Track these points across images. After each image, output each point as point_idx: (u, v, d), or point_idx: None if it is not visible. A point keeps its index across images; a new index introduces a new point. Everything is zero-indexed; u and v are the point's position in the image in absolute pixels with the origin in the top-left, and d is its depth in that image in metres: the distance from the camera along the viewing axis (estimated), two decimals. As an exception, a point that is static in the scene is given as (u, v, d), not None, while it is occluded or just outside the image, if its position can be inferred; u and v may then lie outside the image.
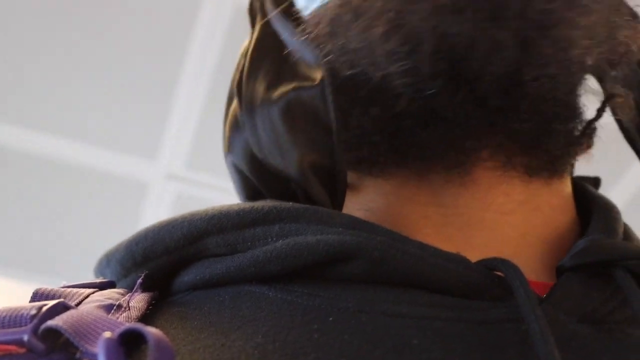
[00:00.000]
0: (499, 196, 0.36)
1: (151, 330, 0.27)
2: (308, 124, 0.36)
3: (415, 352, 0.29)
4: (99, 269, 0.40)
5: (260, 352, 0.29)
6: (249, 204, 0.35)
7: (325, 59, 0.35)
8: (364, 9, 0.33)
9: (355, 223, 0.33)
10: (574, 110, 0.38)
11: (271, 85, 0.38)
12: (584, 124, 0.38)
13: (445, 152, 0.36)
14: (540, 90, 0.34)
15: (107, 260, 0.39)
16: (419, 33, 0.32)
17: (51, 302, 0.30)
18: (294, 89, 0.37)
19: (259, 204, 0.35)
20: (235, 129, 0.41)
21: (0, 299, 2.04)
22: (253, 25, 0.42)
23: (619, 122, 0.40)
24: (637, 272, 0.32)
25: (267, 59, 0.39)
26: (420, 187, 0.37)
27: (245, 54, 0.41)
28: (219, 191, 1.87)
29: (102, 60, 1.64)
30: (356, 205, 0.38)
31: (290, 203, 0.35)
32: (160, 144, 1.79)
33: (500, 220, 0.36)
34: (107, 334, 0.27)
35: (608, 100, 0.39)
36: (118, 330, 0.28)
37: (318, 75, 0.36)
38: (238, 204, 0.36)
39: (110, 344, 0.26)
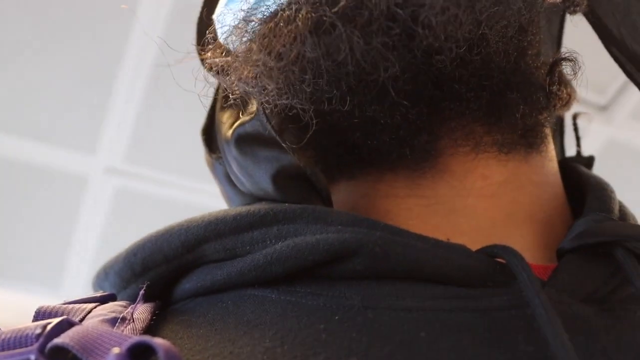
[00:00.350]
0: (477, 180, 0.36)
1: (159, 342, 0.27)
2: (258, 148, 0.37)
3: (424, 345, 0.29)
4: (98, 282, 0.39)
5: (269, 357, 0.29)
6: (245, 208, 0.35)
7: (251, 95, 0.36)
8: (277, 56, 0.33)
9: (353, 219, 0.33)
10: (529, 76, 0.37)
11: (231, 125, 0.40)
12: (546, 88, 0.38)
13: (402, 152, 0.36)
14: (468, 67, 0.34)
15: (105, 273, 0.39)
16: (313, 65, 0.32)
17: (55, 320, 0.30)
18: (239, 125, 0.39)
19: (254, 207, 0.35)
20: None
21: None
22: None
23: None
24: (637, 252, 0.32)
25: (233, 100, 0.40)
26: (396, 180, 0.37)
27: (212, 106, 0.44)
28: (159, 185, 1.86)
29: (39, 50, 1.60)
30: (339, 205, 0.39)
31: (286, 204, 0.35)
32: (99, 138, 1.76)
33: (483, 204, 0.36)
34: (116, 350, 0.27)
35: (555, 66, 0.39)
36: (126, 344, 0.28)
37: (254, 107, 0.38)
38: (234, 208, 0.36)
39: (119, 359, 0.27)
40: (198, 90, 0.40)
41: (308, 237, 0.32)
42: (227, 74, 0.36)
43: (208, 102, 0.46)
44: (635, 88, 0.40)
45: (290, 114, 0.35)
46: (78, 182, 1.85)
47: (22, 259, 2.00)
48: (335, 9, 0.31)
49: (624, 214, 0.39)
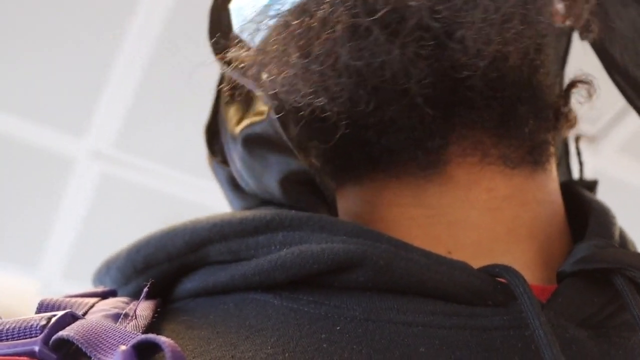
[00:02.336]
0: (482, 192, 0.36)
1: (166, 341, 0.27)
2: (267, 151, 0.38)
3: None
4: (98, 277, 0.40)
5: None
6: (251, 212, 0.35)
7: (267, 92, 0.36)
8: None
9: (358, 231, 0.34)
10: (539, 93, 0.37)
11: (238, 122, 0.40)
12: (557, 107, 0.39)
13: (414, 154, 0.36)
14: (484, 78, 0.35)
15: (106, 269, 0.39)
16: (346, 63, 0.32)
17: (60, 313, 0.30)
18: (247, 126, 0.39)
19: (261, 212, 0.35)
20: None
21: None
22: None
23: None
24: (636, 280, 0.33)
25: (238, 96, 0.41)
26: (400, 188, 0.37)
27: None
28: (146, 173, 1.84)
29: (35, 28, 1.58)
30: (342, 212, 0.39)
31: (293, 211, 0.35)
32: (89, 121, 1.74)
33: (486, 217, 0.36)
34: (122, 347, 0.27)
35: (572, 87, 0.40)
36: (132, 341, 0.28)
37: (266, 110, 0.38)
38: (240, 212, 0.36)
39: (127, 356, 0.27)
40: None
41: (313, 245, 0.33)
42: (249, 70, 0.36)
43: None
44: (624, 122, 0.41)
45: (311, 116, 0.35)
46: (64, 164, 1.83)
47: (1, 237, 1.98)
48: (373, 16, 0.31)
49: (624, 240, 0.39)
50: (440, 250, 0.35)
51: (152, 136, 1.79)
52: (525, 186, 0.37)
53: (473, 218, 0.36)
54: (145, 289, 0.33)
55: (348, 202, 0.39)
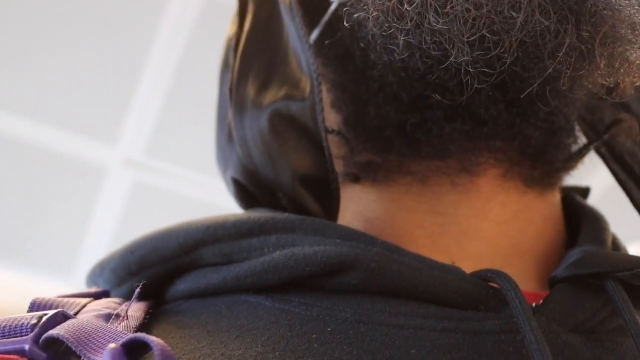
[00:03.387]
0: (496, 206, 0.37)
1: (155, 340, 0.27)
2: (297, 138, 0.36)
3: None
4: (92, 278, 0.40)
5: None
6: (245, 215, 0.35)
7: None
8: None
9: (351, 234, 0.34)
10: (573, 127, 0.39)
11: (262, 88, 0.38)
12: (577, 142, 0.39)
13: (463, 149, 0.36)
14: (564, 100, 0.35)
15: (100, 269, 0.39)
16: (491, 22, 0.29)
17: (51, 312, 0.30)
18: (282, 98, 0.37)
19: (255, 214, 0.35)
20: (229, 141, 0.41)
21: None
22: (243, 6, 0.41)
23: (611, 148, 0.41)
24: (628, 282, 0.33)
25: (259, 55, 0.39)
26: (422, 194, 0.37)
27: (234, 48, 0.41)
28: (177, 180, 1.86)
29: (66, 39, 1.61)
30: (354, 216, 0.39)
31: (287, 214, 0.35)
32: (120, 129, 1.77)
33: (495, 230, 0.37)
34: (112, 345, 0.27)
35: (614, 124, 0.40)
36: (122, 340, 0.28)
37: (307, 85, 0.36)
38: (234, 214, 0.36)
39: (115, 353, 0.27)
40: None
41: (306, 248, 0.33)
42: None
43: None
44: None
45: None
46: (97, 172, 1.86)
47: (36, 243, 2.01)
48: None
49: (616, 245, 0.39)
50: (445, 260, 0.35)
51: (182, 143, 1.81)
52: (534, 203, 0.38)
53: (483, 230, 0.37)
54: (137, 290, 0.34)
55: (360, 205, 0.39)
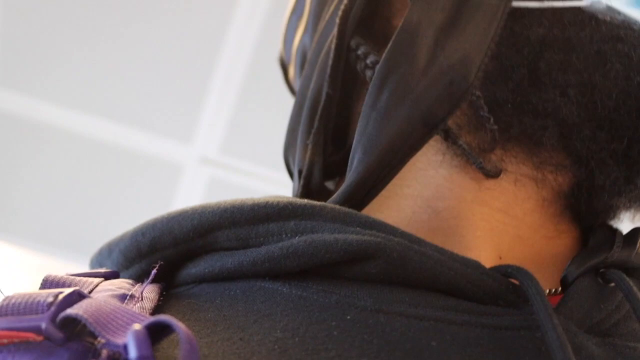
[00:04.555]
0: (552, 225, 0.38)
1: (180, 325, 0.26)
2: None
3: (434, 355, 0.29)
4: (99, 259, 0.39)
5: (280, 347, 0.29)
6: (263, 199, 0.34)
7: None
8: None
9: (372, 223, 0.33)
10: None
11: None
12: None
13: (623, 205, 0.38)
14: None
15: (108, 251, 0.38)
16: None
17: (67, 290, 0.29)
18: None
19: (273, 199, 0.34)
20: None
21: (34, 274, 2.08)
22: None
23: None
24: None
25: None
26: (506, 193, 0.37)
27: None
28: (251, 177, 1.88)
29: (141, 41, 1.65)
30: (415, 202, 0.37)
31: (306, 200, 0.34)
32: (195, 128, 1.80)
33: (542, 243, 0.37)
34: (137, 326, 0.26)
35: None
36: (145, 322, 0.27)
37: None
38: (252, 198, 0.35)
39: (140, 335, 0.26)
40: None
41: (326, 235, 0.32)
42: None
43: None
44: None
45: None
46: (174, 171, 1.90)
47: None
48: None
49: (630, 242, 0.38)
50: (493, 255, 0.35)
51: (255, 140, 1.82)
52: (576, 226, 0.39)
53: (534, 239, 0.37)
54: (154, 271, 0.33)
55: (429, 191, 0.37)
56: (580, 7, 0.36)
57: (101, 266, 0.38)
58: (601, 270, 0.34)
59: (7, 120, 1.83)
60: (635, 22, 0.35)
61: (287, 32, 0.50)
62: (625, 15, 0.35)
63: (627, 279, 0.33)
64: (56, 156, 1.89)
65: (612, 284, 0.34)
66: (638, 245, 0.37)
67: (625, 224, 0.40)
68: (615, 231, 0.38)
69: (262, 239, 0.33)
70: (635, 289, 0.32)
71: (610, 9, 0.35)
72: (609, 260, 0.35)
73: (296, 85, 0.49)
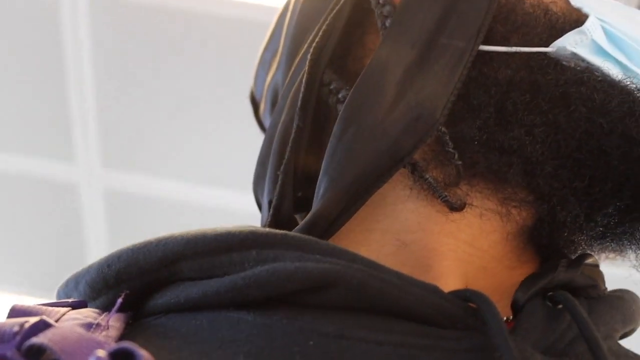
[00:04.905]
0: (514, 256, 0.40)
1: (141, 351, 0.27)
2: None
3: None
4: (65, 291, 0.39)
5: None
6: (225, 229, 0.35)
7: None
8: None
9: (332, 250, 0.34)
10: None
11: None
12: None
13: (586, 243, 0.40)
14: None
15: (75, 282, 0.38)
16: None
17: (33, 319, 0.29)
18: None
19: (235, 229, 0.35)
20: None
21: None
22: None
23: None
24: (586, 296, 0.37)
25: None
26: (472, 226, 0.39)
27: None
28: (145, 185, 1.85)
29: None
30: (383, 235, 0.39)
31: (267, 229, 0.35)
32: (72, 144, 1.76)
33: (505, 273, 0.40)
34: (101, 352, 0.27)
35: None
36: (109, 349, 0.28)
37: None
38: (214, 228, 0.36)
39: None
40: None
41: (287, 263, 0.33)
42: None
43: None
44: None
45: None
46: (68, 190, 1.85)
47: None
48: None
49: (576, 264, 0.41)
50: (459, 284, 0.37)
51: (135, 144, 1.80)
52: (536, 258, 0.41)
53: (497, 269, 0.39)
54: (119, 300, 0.33)
55: (398, 224, 0.39)
56: (546, 53, 0.38)
57: (68, 298, 0.38)
58: (549, 293, 0.37)
59: None
60: (597, 68, 0.38)
61: (259, 69, 0.51)
62: (588, 62, 0.38)
63: (573, 299, 0.35)
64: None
65: (560, 306, 0.36)
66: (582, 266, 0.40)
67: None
68: (561, 257, 0.40)
69: (225, 268, 0.34)
70: (580, 308, 0.35)
71: (574, 55, 0.38)
72: (554, 281, 0.37)
73: (266, 121, 0.51)
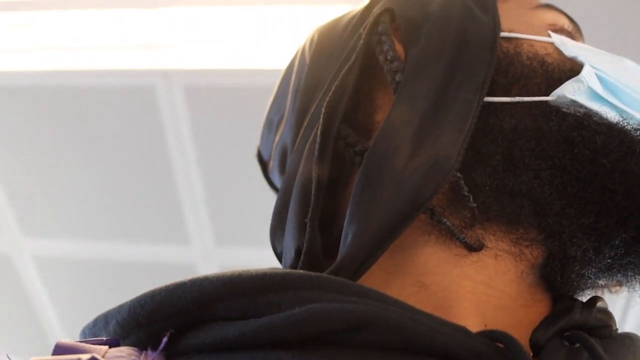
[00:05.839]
0: (529, 295, 0.41)
1: None
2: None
3: None
4: (93, 330, 0.39)
5: None
6: (261, 271, 0.35)
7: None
8: None
9: (367, 292, 0.35)
10: None
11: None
12: None
13: (591, 284, 0.42)
14: None
15: (105, 322, 0.38)
16: None
17: (84, 356, 0.31)
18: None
19: (271, 270, 0.35)
20: None
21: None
22: None
23: None
24: (602, 337, 0.38)
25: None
26: (487, 267, 0.40)
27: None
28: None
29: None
30: (405, 279, 0.40)
31: (302, 271, 0.36)
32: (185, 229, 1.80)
33: (522, 312, 0.41)
34: None
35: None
36: None
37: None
38: (249, 270, 0.36)
39: None
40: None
41: (325, 304, 0.33)
42: None
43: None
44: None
45: None
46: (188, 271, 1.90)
47: None
48: None
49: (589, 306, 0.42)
50: (478, 323, 0.38)
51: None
52: (549, 295, 0.43)
53: (514, 309, 0.40)
54: (164, 339, 0.34)
55: (418, 268, 0.40)
56: (547, 101, 0.41)
57: (95, 337, 0.39)
58: (565, 333, 0.38)
59: None
60: (595, 113, 0.41)
61: (265, 130, 0.55)
62: (587, 108, 0.41)
63: (591, 339, 0.37)
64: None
65: (577, 345, 0.37)
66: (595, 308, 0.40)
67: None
68: (575, 300, 0.41)
69: (262, 309, 0.34)
70: (597, 346, 0.36)
71: (573, 102, 0.41)
72: (571, 322, 0.39)
73: (275, 179, 0.54)
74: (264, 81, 1.56)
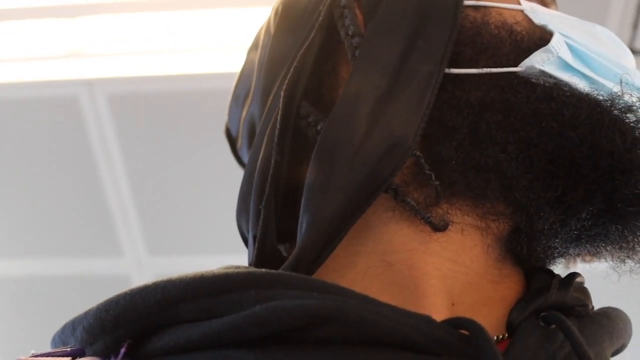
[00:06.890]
0: (496, 270, 0.41)
1: None
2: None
3: None
4: (62, 337, 0.39)
5: None
6: (222, 271, 0.36)
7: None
8: None
9: (328, 287, 0.35)
10: None
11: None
12: None
13: (563, 252, 0.42)
14: None
15: (72, 328, 0.38)
16: None
17: None
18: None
19: (232, 269, 0.36)
20: None
21: None
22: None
23: None
24: (576, 315, 0.38)
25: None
26: (453, 242, 0.40)
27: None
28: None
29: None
30: (369, 258, 0.40)
31: (264, 269, 0.36)
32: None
33: (490, 287, 0.40)
34: None
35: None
36: None
37: None
38: (212, 270, 0.36)
39: None
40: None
41: (286, 301, 0.34)
42: None
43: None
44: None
45: None
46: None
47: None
48: None
49: (567, 283, 0.42)
50: (446, 301, 0.38)
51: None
52: (517, 270, 0.43)
53: (482, 285, 0.40)
54: (123, 349, 0.34)
55: (381, 244, 0.40)
56: (515, 72, 0.40)
57: (64, 344, 0.39)
58: (542, 313, 0.38)
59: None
60: (565, 83, 0.40)
61: (232, 105, 0.53)
62: (556, 78, 0.40)
63: (567, 320, 0.36)
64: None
65: (553, 326, 0.37)
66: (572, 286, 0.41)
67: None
68: (555, 276, 0.41)
69: (224, 309, 0.34)
70: (573, 327, 0.36)
71: (542, 72, 0.40)
72: (547, 302, 0.38)
73: (244, 156, 0.52)
74: (189, 86, 1.56)
